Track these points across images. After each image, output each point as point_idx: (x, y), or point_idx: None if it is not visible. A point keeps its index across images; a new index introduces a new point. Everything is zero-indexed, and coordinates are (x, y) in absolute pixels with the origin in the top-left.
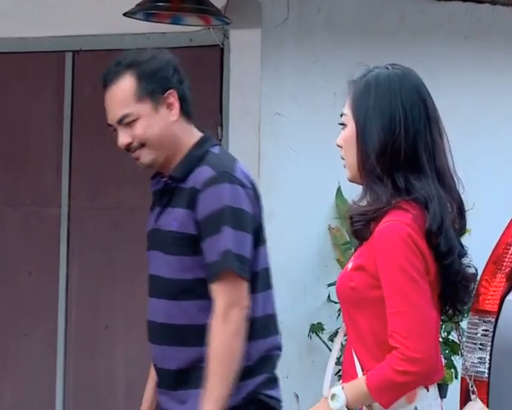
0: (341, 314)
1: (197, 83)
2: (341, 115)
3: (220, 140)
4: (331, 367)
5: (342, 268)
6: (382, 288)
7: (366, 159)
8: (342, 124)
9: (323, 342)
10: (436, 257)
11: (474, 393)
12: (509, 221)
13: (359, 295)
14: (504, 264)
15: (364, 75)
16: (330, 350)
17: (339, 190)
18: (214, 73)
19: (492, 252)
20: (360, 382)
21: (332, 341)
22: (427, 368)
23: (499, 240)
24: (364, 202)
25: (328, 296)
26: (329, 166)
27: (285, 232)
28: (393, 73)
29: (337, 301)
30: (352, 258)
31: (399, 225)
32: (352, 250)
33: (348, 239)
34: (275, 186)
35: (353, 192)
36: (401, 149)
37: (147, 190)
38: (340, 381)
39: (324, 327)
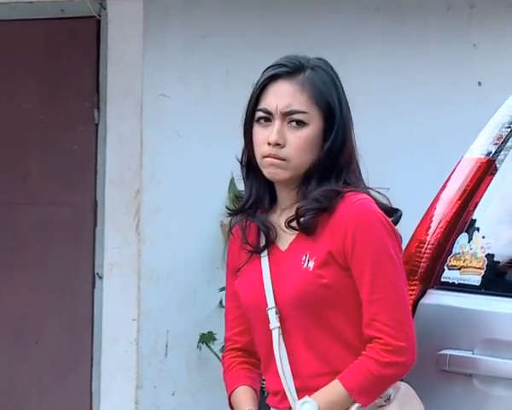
0: (288, 322)
1: (70, 59)
2: (292, 113)
3: (97, 125)
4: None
5: None
6: (357, 273)
7: (327, 157)
8: (301, 122)
9: (215, 353)
10: None
11: None
12: (422, 216)
13: (334, 290)
14: (417, 264)
15: (317, 65)
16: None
17: (232, 182)
18: (90, 49)
19: (404, 251)
20: (334, 385)
21: None
22: (412, 357)
23: (411, 238)
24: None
25: (220, 302)
26: (222, 154)
27: (171, 229)
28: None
29: None
30: (306, 256)
31: (372, 205)
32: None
33: None
34: (160, 177)
35: None
36: (355, 147)
37: (17, 184)
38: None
39: (216, 337)
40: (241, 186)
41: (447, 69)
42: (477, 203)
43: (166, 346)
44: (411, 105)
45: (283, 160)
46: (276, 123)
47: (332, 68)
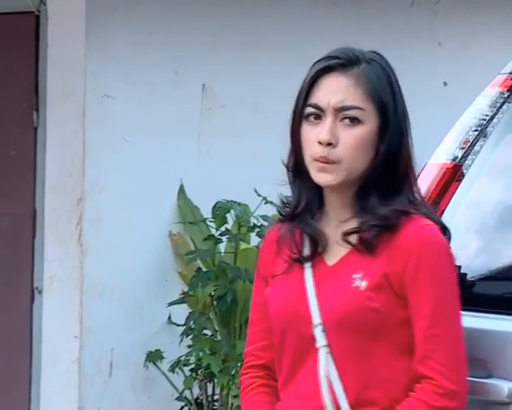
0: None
1: (7, 58)
2: (345, 109)
3: (36, 128)
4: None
5: (186, 283)
6: (415, 303)
7: (383, 162)
8: (355, 119)
9: (163, 373)
10: None
11: None
12: None
13: (383, 318)
14: None
15: (373, 58)
16: (171, 383)
17: (181, 189)
18: (28, 47)
19: None
20: None
21: (173, 371)
22: (463, 403)
23: None
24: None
25: (169, 318)
26: (170, 159)
27: (116, 240)
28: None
29: (179, 323)
30: (358, 274)
31: (439, 233)
32: (199, 261)
33: (193, 248)
34: (103, 184)
35: (199, 192)
36: (412, 157)
37: None
38: None
39: (164, 355)
40: (191, 194)
41: (411, 69)
42: (443, 211)
43: (111, 365)
44: None
45: (334, 163)
46: (328, 120)
47: (388, 63)
